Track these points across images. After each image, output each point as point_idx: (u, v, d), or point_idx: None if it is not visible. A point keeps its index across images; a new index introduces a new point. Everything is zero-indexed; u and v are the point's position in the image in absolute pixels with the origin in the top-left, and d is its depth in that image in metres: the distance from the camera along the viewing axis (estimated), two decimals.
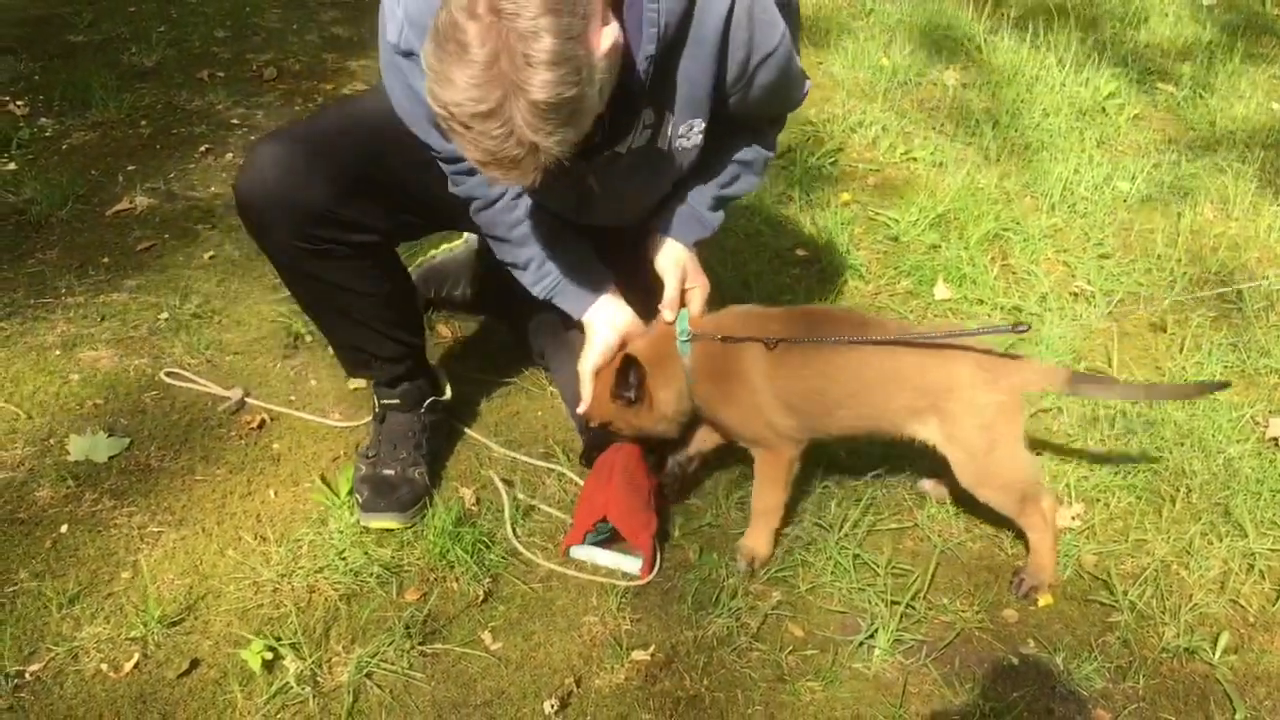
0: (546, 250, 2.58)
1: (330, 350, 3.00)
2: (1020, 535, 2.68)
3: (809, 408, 2.57)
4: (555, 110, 1.85)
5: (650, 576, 2.60)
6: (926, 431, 2.54)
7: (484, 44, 1.79)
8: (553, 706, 2.28)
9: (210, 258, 3.76)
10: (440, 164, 2.45)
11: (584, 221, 2.64)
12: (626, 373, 2.52)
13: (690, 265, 2.68)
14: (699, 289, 2.68)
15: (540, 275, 2.60)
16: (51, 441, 2.91)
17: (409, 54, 2.18)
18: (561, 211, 2.60)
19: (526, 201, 2.51)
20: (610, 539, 2.66)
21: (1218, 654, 2.47)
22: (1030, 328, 2.48)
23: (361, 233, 2.52)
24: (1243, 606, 2.60)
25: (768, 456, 2.64)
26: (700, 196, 2.68)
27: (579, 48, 1.85)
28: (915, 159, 4.56)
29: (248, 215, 2.50)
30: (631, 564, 2.62)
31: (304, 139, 2.47)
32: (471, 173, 2.44)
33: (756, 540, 2.65)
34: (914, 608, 2.55)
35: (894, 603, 2.54)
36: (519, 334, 3.11)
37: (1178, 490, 2.90)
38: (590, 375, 2.61)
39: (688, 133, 2.44)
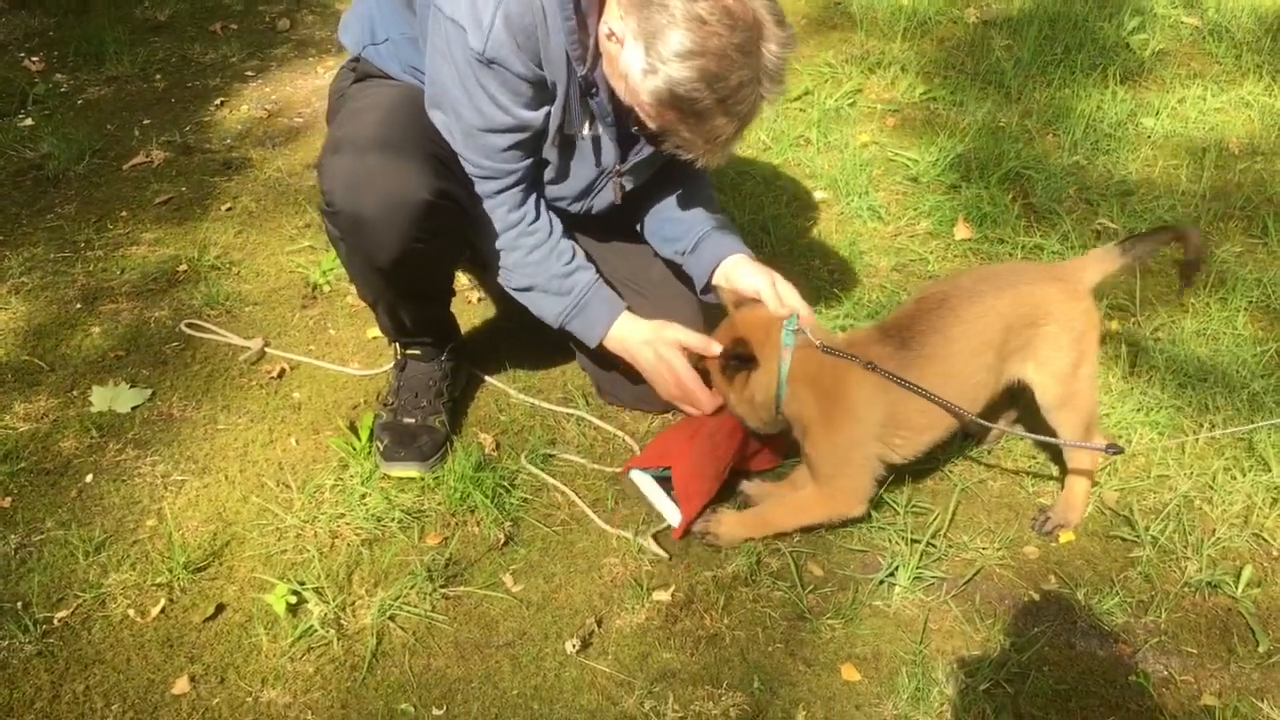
0: (565, 270, 2.60)
1: (351, 302, 3.01)
2: (1046, 473, 2.67)
3: (929, 422, 2.47)
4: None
5: (679, 539, 2.55)
6: (1018, 368, 2.51)
7: (772, 14, 2.13)
8: (574, 646, 2.30)
9: (227, 209, 3.76)
10: (478, 181, 2.49)
11: (583, 211, 2.72)
12: (737, 342, 2.45)
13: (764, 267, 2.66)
14: (788, 284, 2.61)
15: (560, 295, 2.61)
16: (75, 393, 2.94)
17: (492, 62, 2.26)
18: (571, 201, 2.69)
19: (544, 225, 2.58)
20: (668, 486, 2.61)
21: (1240, 587, 2.45)
22: (1124, 450, 2.48)
23: (459, 210, 2.48)
24: (1266, 540, 2.58)
25: (823, 497, 2.51)
26: (721, 217, 2.79)
27: None
28: (935, 99, 4.50)
29: (357, 230, 2.41)
30: (673, 515, 2.57)
31: (374, 139, 2.39)
32: (501, 191, 2.50)
33: (734, 529, 2.54)
34: (934, 545, 2.55)
35: (914, 541, 2.53)
36: None
37: (1200, 426, 2.88)
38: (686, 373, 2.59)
39: None
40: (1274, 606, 2.44)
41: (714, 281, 2.68)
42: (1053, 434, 2.57)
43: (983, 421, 2.52)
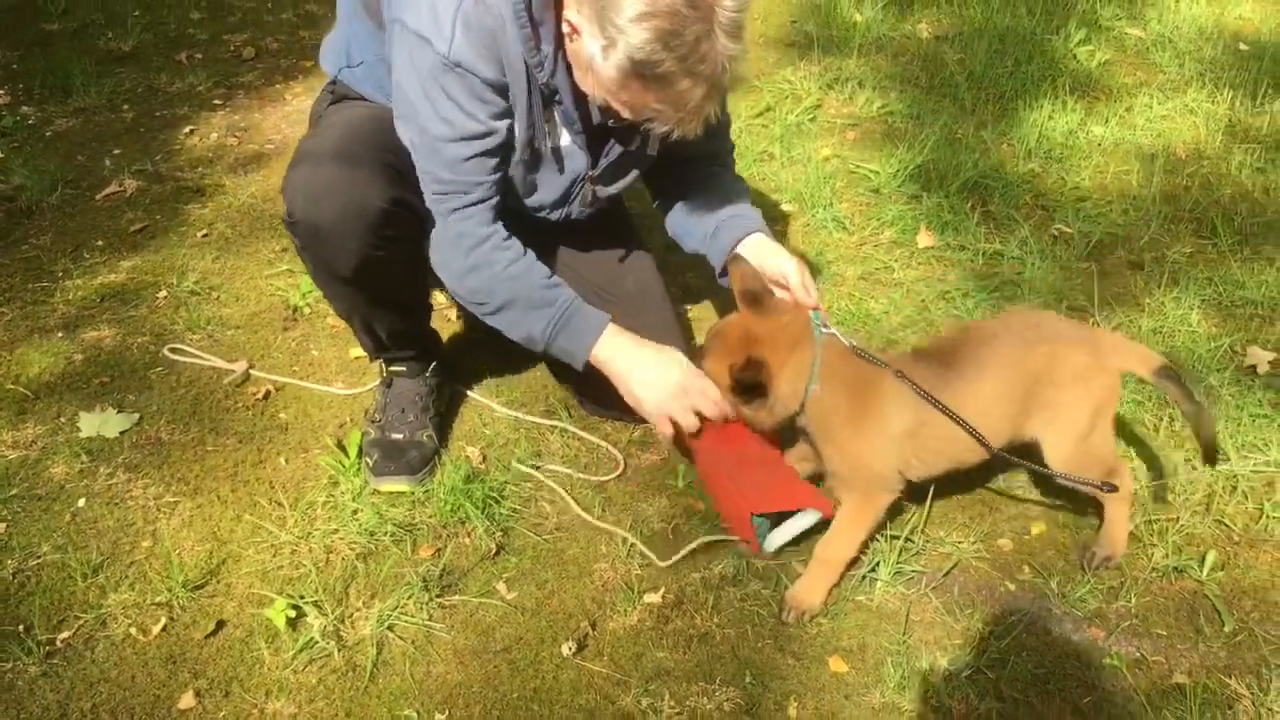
0: (547, 281, 2.59)
1: (332, 324, 3.06)
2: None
3: (946, 449, 2.45)
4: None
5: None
6: (1033, 424, 2.47)
7: None
8: (570, 648, 2.37)
9: (203, 236, 3.80)
10: (444, 199, 2.49)
11: (563, 218, 2.77)
12: (751, 368, 2.36)
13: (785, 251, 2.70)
14: (807, 272, 2.65)
15: (544, 306, 2.58)
16: (62, 420, 2.97)
17: (458, 64, 2.29)
18: (550, 209, 2.73)
19: (517, 242, 2.56)
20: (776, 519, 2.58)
21: (1205, 571, 2.56)
22: (1117, 488, 2.46)
23: (415, 218, 2.54)
24: (1228, 526, 2.70)
25: (858, 502, 2.49)
26: (738, 203, 2.83)
27: None
28: (892, 112, 4.63)
29: (316, 239, 2.48)
30: (810, 517, 2.56)
31: (332, 151, 2.47)
32: (468, 206, 2.49)
33: (811, 592, 2.47)
34: (912, 541, 2.63)
35: (893, 537, 2.61)
36: None
37: (1161, 420, 2.99)
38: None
39: (652, 149, 2.68)
40: (1237, 588, 2.55)
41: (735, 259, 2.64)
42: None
43: (1004, 453, 2.45)
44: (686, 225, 2.87)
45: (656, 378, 2.57)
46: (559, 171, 2.63)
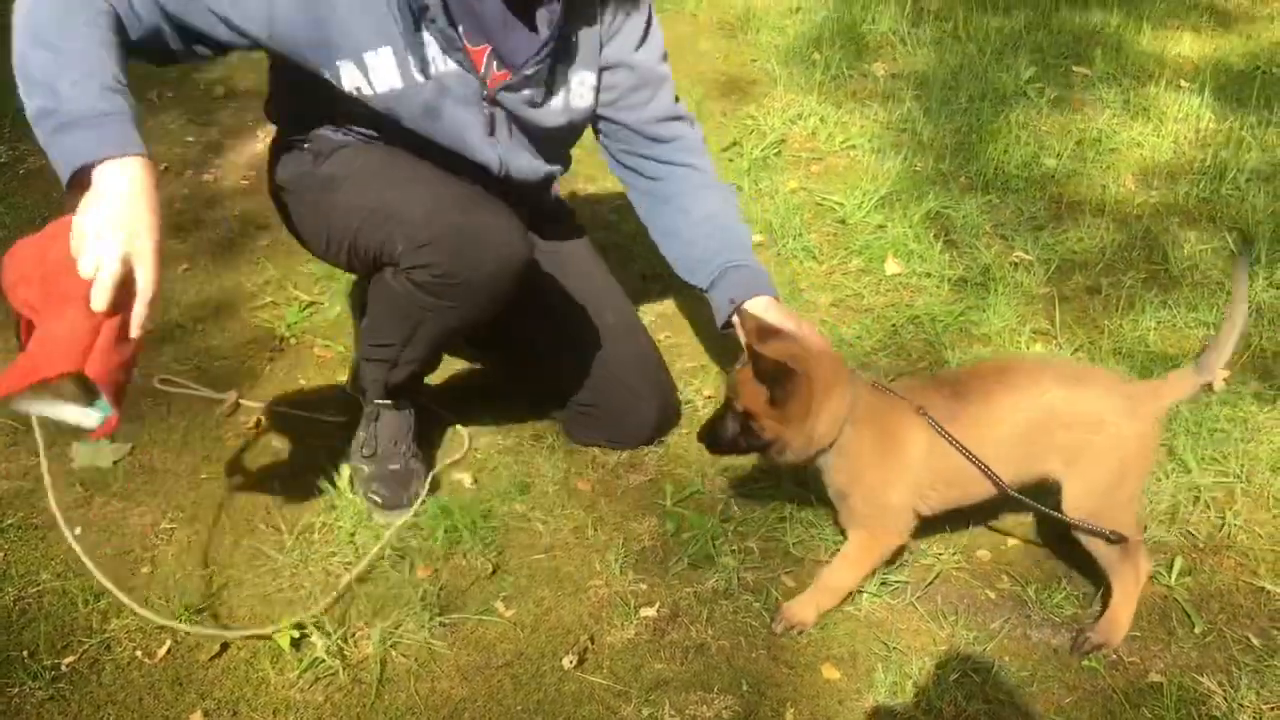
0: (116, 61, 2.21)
1: (318, 353, 3.10)
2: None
3: (960, 479, 2.44)
4: None
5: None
6: (1055, 466, 2.45)
7: None
8: (571, 662, 2.43)
9: (185, 270, 3.85)
10: None
11: (503, 174, 2.68)
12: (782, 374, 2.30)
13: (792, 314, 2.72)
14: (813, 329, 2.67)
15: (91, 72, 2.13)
16: (54, 450, 2.97)
17: None
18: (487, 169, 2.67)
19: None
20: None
21: (1173, 577, 2.68)
22: (1126, 539, 2.39)
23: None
24: (1192, 534, 2.82)
25: (864, 540, 2.53)
26: (743, 246, 2.82)
27: None
28: (854, 146, 4.78)
29: (484, 292, 2.53)
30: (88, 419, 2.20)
31: (455, 201, 2.51)
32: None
33: (806, 611, 2.53)
34: None
35: None
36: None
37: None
38: None
39: (580, 88, 2.67)
40: (1204, 593, 2.67)
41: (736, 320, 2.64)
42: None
43: (1016, 494, 2.43)
44: (673, 248, 2.85)
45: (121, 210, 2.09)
46: (457, 102, 2.52)
